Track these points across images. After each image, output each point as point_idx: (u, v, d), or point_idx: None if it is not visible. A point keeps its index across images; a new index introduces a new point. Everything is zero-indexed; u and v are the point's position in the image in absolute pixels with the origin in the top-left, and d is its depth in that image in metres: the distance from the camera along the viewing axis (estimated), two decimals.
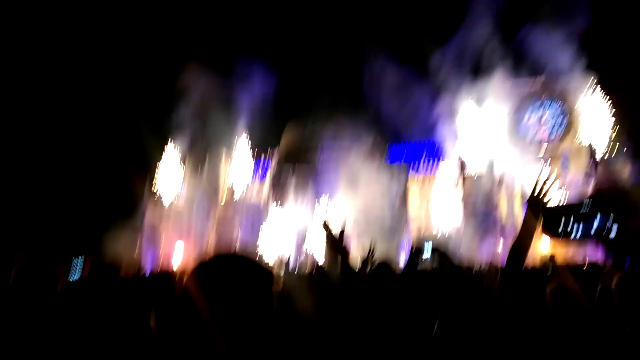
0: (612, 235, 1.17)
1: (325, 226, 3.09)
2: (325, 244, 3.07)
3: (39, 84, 56.45)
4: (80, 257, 29.95)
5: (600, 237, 1.20)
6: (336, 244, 3.02)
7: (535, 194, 2.77)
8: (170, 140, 50.45)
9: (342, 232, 3.07)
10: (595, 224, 1.21)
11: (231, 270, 1.46)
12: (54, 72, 58.15)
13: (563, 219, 1.26)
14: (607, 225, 1.18)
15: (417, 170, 44.51)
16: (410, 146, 46.17)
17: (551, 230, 1.27)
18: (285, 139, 51.54)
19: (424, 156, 44.90)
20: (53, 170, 49.90)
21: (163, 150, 50.77)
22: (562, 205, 1.26)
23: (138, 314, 2.61)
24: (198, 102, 46.98)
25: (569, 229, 1.25)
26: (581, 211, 1.22)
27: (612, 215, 1.15)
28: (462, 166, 39.76)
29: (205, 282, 1.41)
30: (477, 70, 40.27)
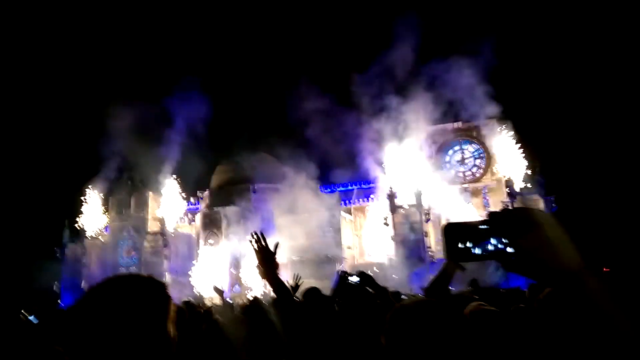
0: (509, 255, 1.28)
1: (257, 239, 2.94)
2: (257, 256, 2.97)
3: None
4: None
5: (498, 258, 1.32)
6: (267, 254, 2.96)
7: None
8: (96, 176, 48.33)
9: (274, 248, 3.01)
10: (491, 245, 1.32)
11: (120, 289, 1.39)
12: None
13: (460, 243, 1.35)
14: (502, 246, 1.30)
15: (349, 201, 45.65)
16: (342, 185, 47.41)
17: (451, 253, 1.36)
18: (216, 181, 50.98)
19: (355, 188, 46.29)
20: None
21: (86, 186, 48.45)
22: (459, 226, 1.35)
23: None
24: (125, 139, 45.63)
25: (468, 251, 1.35)
26: (476, 233, 1.33)
27: (505, 236, 1.27)
28: (393, 198, 41.19)
29: (96, 302, 1.36)
30: (403, 114, 42.69)
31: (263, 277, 2.98)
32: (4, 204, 48.02)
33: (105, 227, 47.74)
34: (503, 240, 1.31)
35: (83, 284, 41.69)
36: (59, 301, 39.30)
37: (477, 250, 1.39)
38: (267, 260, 2.92)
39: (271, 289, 3.06)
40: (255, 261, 3.03)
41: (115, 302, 1.35)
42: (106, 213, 48.02)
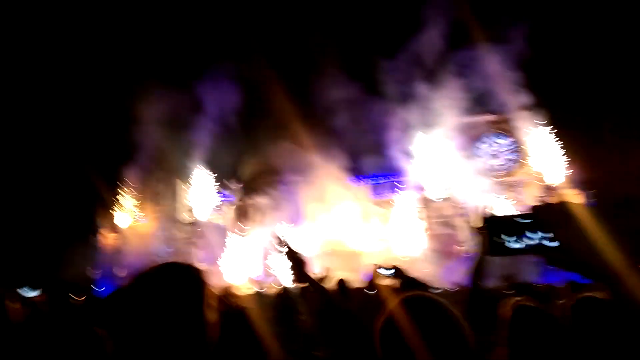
0: (551, 249, 1.22)
1: (280, 242, 3.03)
2: (286, 258, 3.04)
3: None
4: (26, 287, 28.65)
5: (538, 252, 1.26)
6: (294, 255, 3.01)
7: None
8: (131, 165, 49.56)
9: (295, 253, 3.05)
10: (531, 239, 1.25)
11: (162, 277, 1.44)
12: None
13: (500, 237, 1.29)
14: (546, 239, 1.24)
15: (379, 193, 45.45)
16: (372, 177, 47.19)
17: (491, 247, 1.30)
18: (246, 172, 51.55)
19: (386, 181, 46.02)
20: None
21: (121, 175, 49.73)
22: (500, 219, 1.29)
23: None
24: (158, 129, 46.58)
25: (508, 245, 1.29)
26: (517, 227, 1.27)
27: (549, 229, 1.21)
28: (423, 191, 40.84)
29: (138, 288, 1.42)
30: (434, 105, 42.04)
31: (297, 281, 3.07)
32: (40, 191, 49.70)
33: (140, 216, 48.99)
34: (544, 234, 1.30)
35: (117, 272, 42.98)
36: (94, 287, 40.62)
37: (517, 244, 1.38)
38: (295, 263, 2.97)
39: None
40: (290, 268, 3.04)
41: (157, 288, 1.42)
42: (141, 202, 49.24)
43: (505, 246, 1.36)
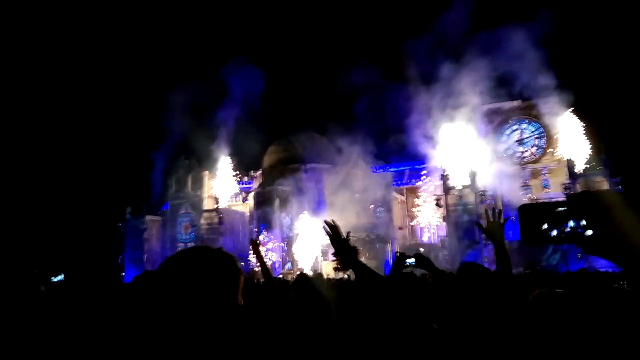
0: (587, 237, 1.18)
1: (330, 225, 2.80)
2: (333, 247, 2.81)
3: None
4: (58, 275, 29.51)
5: (576, 241, 1.22)
6: (343, 243, 2.78)
7: (491, 221, 3.26)
8: (156, 155, 50.35)
9: (346, 235, 2.87)
10: (568, 227, 1.22)
11: (195, 259, 1.45)
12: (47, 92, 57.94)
13: (536, 225, 1.25)
14: (581, 228, 1.20)
15: (401, 181, 45.22)
16: (394, 165, 46.95)
17: (528, 236, 1.26)
18: (268, 160, 51.79)
19: (407, 168, 45.76)
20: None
21: (150, 164, 50.60)
22: (536, 207, 1.26)
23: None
24: (182, 119, 47.15)
25: (544, 233, 1.25)
26: (553, 215, 1.23)
27: (586, 218, 1.17)
28: (446, 178, 40.39)
29: (171, 271, 1.42)
30: (457, 91, 41.38)
31: (344, 268, 2.89)
32: (72, 182, 50.93)
33: (165, 204, 49.78)
34: (582, 222, 1.29)
35: (145, 258, 43.91)
36: (122, 274, 41.72)
37: (554, 233, 1.37)
38: (343, 250, 2.78)
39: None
40: (334, 254, 2.94)
41: (191, 272, 1.42)
42: (166, 191, 50.02)
43: (544, 234, 1.36)
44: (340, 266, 2.86)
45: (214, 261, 1.46)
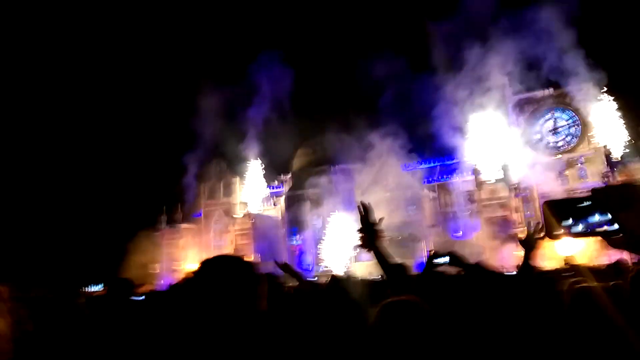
0: (612, 232, 1.16)
1: (365, 207, 2.93)
2: (360, 225, 2.93)
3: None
4: (99, 284, 30.32)
5: (601, 233, 1.19)
6: (369, 224, 2.91)
7: (531, 234, 3.34)
8: (189, 163, 51.23)
9: (380, 219, 3.00)
10: (594, 222, 1.20)
11: (219, 268, 1.51)
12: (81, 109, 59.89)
13: (561, 220, 1.23)
14: (606, 220, 1.17)
15: (432, 178, 44.62)
16: (424, 161, 46.38)
17: (553, 231, 1.24)
18: (297, 163, 52.08)
19: (438, 165, 45.13)
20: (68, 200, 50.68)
21: (182, 171, 51.55)
22: (560, 202, 1.24)
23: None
24: (212, 126, 47.85)
25: (569, 228, 1.23)
26: (578, 210, 1.21)
27: (610, 212, 1.14)
28: (478, 173, 39.65)
29: (200, 278, 1.49)
30: (486, 79, 40.54)
31: (364, 247, 2.97)
32: (108, 193, 52.32)
33: (198, 212, 50.59)
34: (606, 216, 1.25)
35: (179, 266, 44.71)
36: (160, 282, 42.57)
37: (579, 228, 1.34)
38: (368, 231, 2.89)
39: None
40: (358, 231, 3.07)
41: (214, 280, 1.49)
42: (198, 198, 50.83)
43: (570, 229, 1.33)
44: (362, 244, 2.95)
45: (232, 271, 1.52)
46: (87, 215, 50.00)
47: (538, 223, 3.49)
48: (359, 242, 3.01)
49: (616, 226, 1.22)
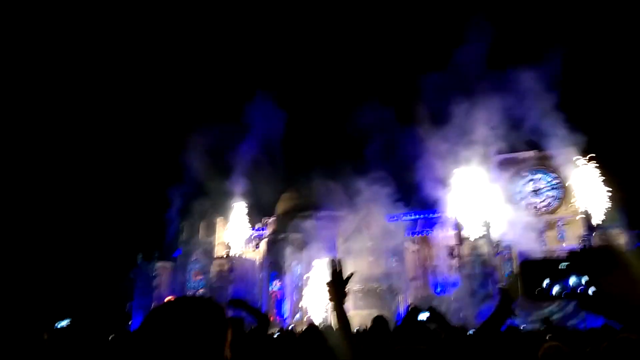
0: (589, 294, 1.24)
1: (334, 264, 2.96)
2: (331, 279, 2.98)
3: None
4: (63, 320, 29.35)
5: (576, 297, 1.27)
6: (340, 281, 2.93)
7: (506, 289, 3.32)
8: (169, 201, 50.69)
9: (348, 277, 3.00)
10: (570, 284, 1.29)
11: (180, 312, 1.41)
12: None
13: (538, 281, 1.32)
14: (582, 284, 1.26)
15: (414, 230, 44.69)
16: (407, 213, 46.56)
17: (529, 292, 1.33)
18: (281, 207, 51.90)
19: (420, 217, 45.34)
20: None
21: (164, 207, 50.88)
22: (537, 263, 1.32)
23: None
24: (196, 170, 47.78)
25: (545, 289, 1.31)
26: (555, 271, 1.29)
27: (586, 275, 1.23)
28: (460, 229, 39.87)
29: (155, 323, 1.39)
30: (471, 139, 41.47)
31: (330, 300, 3.02)
32: (84, 228, 51.28)
33: (177, 250, 49.66)
34: (583, 279, 1.27)
35: (153, 305, 43.41)
36: (130, 321, 41.20)
37: (556, 289, 1.35)
38: (338, 287, 2.94)
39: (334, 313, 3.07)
40: (327, 284, 3.05)
41: (176, 324, 1.36)
42: (178, 236, 50.00)
43: (544, 291, 1.33)
44: (330, 296, 3.00)
45: (199, 313, 1.40)
46: (58, 247, 48.72)
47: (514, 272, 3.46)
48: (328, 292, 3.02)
49: (593, 289, 1.23)
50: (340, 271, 2.98)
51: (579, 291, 1.23)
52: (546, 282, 1.26)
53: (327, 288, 3.06)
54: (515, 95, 40.48)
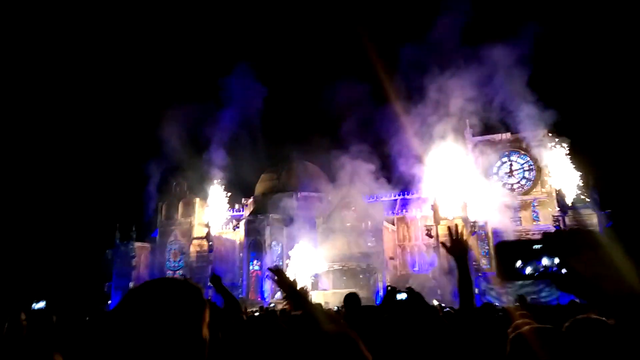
0: (561, 274, 1.28)
1: (276, 271, 2.84)
2: (282, 292, 2.86)
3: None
4: (40, 301, 29.00)
5: (548, 277, 1.31)
6: (289, 286, 2.83)
7: (454, 239, 3.29)
8: (147, 181, 50.08)
9: (300, 289, 2.91)
10: (543, 265, 1.32)
11: (157, 293, 1.41)
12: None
13: (513, 261, 1.35)
14: (554, 265, 1.29)
15: (392, 211, 45.23)
16: (385, 194, 46.98)
17: (504, 272, 1.36)
18: (260, 188, 51.79)
19: (399, 198, 45.86)
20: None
21: (141, 187, 50.28)
22: (512, 244, 1.36)
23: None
24: (174, 150, 47.23)
25: (519, 269, 1.35)
26: (529, 252, 1.32)
27: (559, 256, 1.27)
28: (437, 209, 40.49)
29: (132, 305, 1.39)
30: (452, 124, 41.87)
31: (295, 309, 2.88)
32: (60, 207, 50.41)
33: (155, 231, 49.27)
34: (554, 260, 1.34)
35: (131, 286, 43.15)
36: (108, 302, 40.93)
37: (529, 269, 1.42)
38: (292, 293, 2.79)
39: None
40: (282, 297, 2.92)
41: (152, 305, 1.38)
42: (156, 217, 49.57)
43: (518, 271, 1.41)
44: (292, 308, 2.85)
45: (176, 294, 1.42)
46: (36, 228, 47.87)
47: (456, 225, 3.47)
48: (288, 308, 2.92)
49: (564, 270, 1.30)
50: (282, 277, 2.86)
51: (550, 271, 1.31)
52: (519, 262, 1.33)
53: (287, 302, 2.95)
54: (488, 74, 41.02)
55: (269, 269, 2.93)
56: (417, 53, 44.09)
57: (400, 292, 5.19)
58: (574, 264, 1.25)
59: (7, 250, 42.78)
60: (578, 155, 40.97)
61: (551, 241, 1.35)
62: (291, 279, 2.86)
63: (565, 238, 1.31)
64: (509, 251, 1.45)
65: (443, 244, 3.47)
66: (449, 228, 3.51)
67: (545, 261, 1.36)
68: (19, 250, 44.15)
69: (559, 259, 1.30)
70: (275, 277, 2.79)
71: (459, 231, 3.32)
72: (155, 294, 1.42)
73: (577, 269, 1.24)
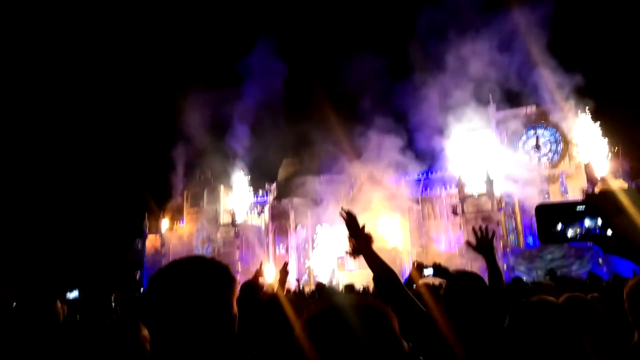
0: (607, 237, 1.19)
1: (347, 212, 2.83)
2: (348, 230, 2.81)
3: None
4: (74, 290, 29.81)
5: (591, 238, 1.22)
6: (357, 228, 2.79)
7: (480, 238, 3.30)
8: (173, 170, 50.85)
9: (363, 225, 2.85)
10: (585, 227, 1.22)
11: (186, 271, 1.41)
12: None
13: (553, 225, 1.26)
14: (597, 227, 1.20)
15: (417, 190, 44.88)
16: (409, 174, 46.61)
17: (544, 235, 1.27)
18: (283, 173, 51.98)
19: (423, 177, 45.46)
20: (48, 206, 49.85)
21: (167, 182, 51.13)
22: (552, 207, 1.26)
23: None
24: (197, 137, 47.65)
25: (560, 232, 1.25)
26: (570, 214, 1.23)
27: (602, 217, 1.17)
28: (462, 186, 40.02)
29: (163, 284, 1.39)
30: (475, 98, 41.13)
31: (355, 251, 2.82)
32: (90, 199, 51.59)
33: (181, 219, 50.10)
34: (599, 221, 1.27)
35: None
36: (141, 289, 41.96)
37: (571, 232, 1.35)
38: (358, 234, 2.77)
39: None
40: (348, 238, 2.95)
41: (183, 282, 1.38)
42: (182, 205, 50.35)
43: (559, 234, 1.34)
44: (353, 250, 2.87)
45: (206, 271, 1.42)
46: (68, 219, 49.19)
47: (481, 227, 3.48)
48: (350, 249, 2.94)
49: (609, 232, 1.24)
50: (353, 220, 2.91)
51: (593, 233, 1.25)
52: (560, 225, 1.27)
53: (350, 242, 2.96)
54: (509, 40, 40.06)
55: (342, 208, 2.95)
56: (435, 18, 43.28)
57: (427, 267, 5.16)
58: (618, 223, 1.20)
59: (39, 242, 44.16)
60: (606, 126, 39.85)
61: (595, 201, 1.29)
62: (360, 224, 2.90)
63: (609, 198, 1.25)
64: (548, 214, 1.39)
65: (469, 242, 3.49)
66: (473, 228, 3.55)
67: (587, 222, 1.30)
68: (50, 242, 45.52)
69: (603, 219, 1.25)
70: (346, 217, 2.82)
71: (485, 230, 3.35)
72: (185, 271, 1.42)
73: (621, 228, 1.19)
